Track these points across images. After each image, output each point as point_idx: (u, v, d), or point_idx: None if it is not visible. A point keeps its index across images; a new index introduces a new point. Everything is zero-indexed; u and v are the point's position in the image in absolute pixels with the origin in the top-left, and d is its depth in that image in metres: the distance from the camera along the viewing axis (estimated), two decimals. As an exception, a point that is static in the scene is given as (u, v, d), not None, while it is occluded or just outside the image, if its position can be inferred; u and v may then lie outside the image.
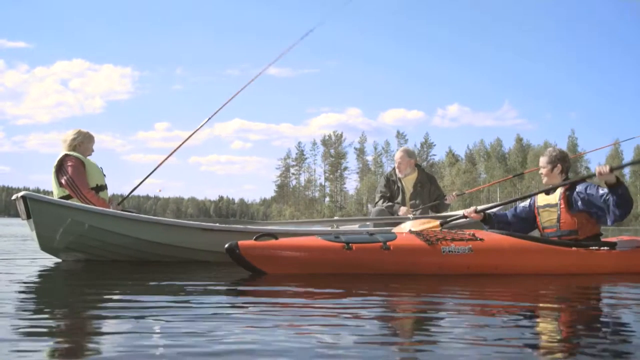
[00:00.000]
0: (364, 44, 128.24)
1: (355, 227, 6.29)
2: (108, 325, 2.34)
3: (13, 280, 3.60)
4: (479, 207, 4.96)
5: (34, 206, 4.62)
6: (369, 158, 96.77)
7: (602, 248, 4.34)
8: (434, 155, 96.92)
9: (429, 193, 6.14)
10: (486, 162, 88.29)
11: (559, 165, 4.58)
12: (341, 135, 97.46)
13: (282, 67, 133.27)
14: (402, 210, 5.95)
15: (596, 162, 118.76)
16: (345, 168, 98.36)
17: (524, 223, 4.80)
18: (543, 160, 4.65)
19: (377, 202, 6.24)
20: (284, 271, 3.86)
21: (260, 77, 6.39)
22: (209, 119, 6.24)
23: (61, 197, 4.90)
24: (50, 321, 2.40)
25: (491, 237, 4.21)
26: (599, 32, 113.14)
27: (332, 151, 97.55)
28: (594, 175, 4.23)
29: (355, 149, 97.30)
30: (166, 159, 6.00)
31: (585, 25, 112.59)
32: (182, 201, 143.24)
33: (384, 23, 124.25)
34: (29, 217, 4.66)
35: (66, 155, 5.00)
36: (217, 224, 5.02)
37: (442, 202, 6.08)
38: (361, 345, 1.98)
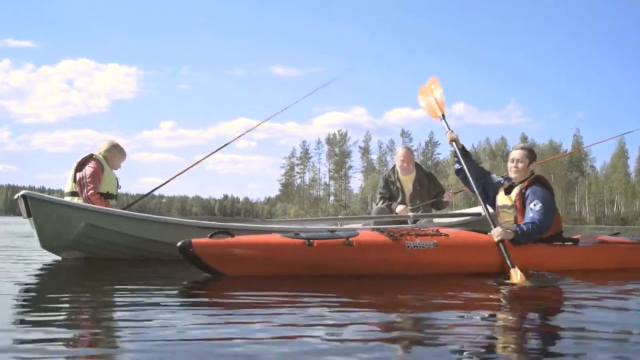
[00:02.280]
0: (369, 43, 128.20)
1: (358, 225, 6.27)
2: (105, 322, 2.35)
3: (13, 277, 3.63)
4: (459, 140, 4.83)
5: (33, 205, 4.70)
6: (374, 157, 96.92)
7: (565, 244, 4.35)
8: (439, 154, 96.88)
9: (428, 191, 6.10)
10: (491, 161, 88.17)
11: (534, 162, 4.48)
12: (346, 134, 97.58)
13: (288, 66, 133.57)
14: (399, 208, 5.92)
15: (600, 156, 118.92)
16: (350, 167, 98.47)
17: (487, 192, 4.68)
18: (521, 154, 4.43)
19: (377, 203, 6.23)
20: (242, 270, 3.60)
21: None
22: (262, 123, 6.32)
23: (71, 192, 5.08)
24: (49, 318, 2.41)
25: (456, 233, 4.16)
26: (607, 32, 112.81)
27: (336, 150, 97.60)
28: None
29: (360, 147, 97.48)
30: (199, 162, 6.11)
31: (593, 25, 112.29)
32: (187, 200, 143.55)
33: (390, 22, 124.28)
34: (29, 215, 4.73)
35: (91, 156, 5.21)
36: (208, 222, 5.02)
37: (440, 199, 6.03)
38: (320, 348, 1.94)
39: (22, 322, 2.32)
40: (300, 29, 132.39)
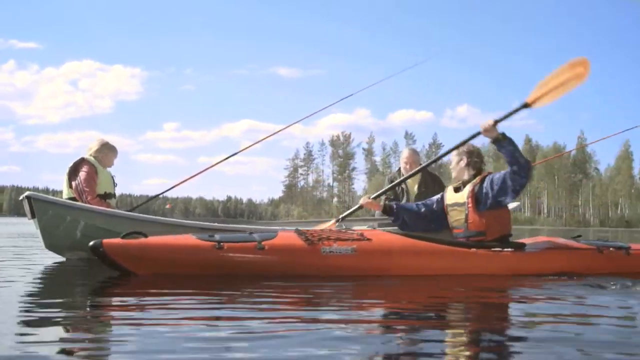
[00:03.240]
0: (373, 45, 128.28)
1: (363, 227, 6.27)
2: (105, 322, 2.36)
3: (16, 277, 3.65)
4: (374, 195, 4.71)
5: (37, 206, 4.73)
6: (377, 159, 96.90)
7: (505, 249, 4.13)
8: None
9: (433, 193, 6.08)
10: (495, 163, 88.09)
11: (464, 158, 4.32)
12: (349, 136, 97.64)
13: (291, 67, 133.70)
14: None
15: (605, 158, 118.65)
16: (354, 168, 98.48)
17: (437, 217, 4.50)
18: (460, 153, 4.38)
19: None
20: (153, 271, 3.61)
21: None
22: (296, 122, 6.33)
23: (69, 198, 5.06)
24: (50, 317, 2.42)
25: (381, 237, 4.00)
26: (611, 33, 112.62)
27: (340, 152, 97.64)
28: (480, 133, 4.10)
29: (364, 149, 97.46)
30: (217, 164, 6.14)
31: (597, 26, 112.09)
32: (191, 201, 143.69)
33: (392, 23, 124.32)
34: (33, 216, 4.78)
35: (82, 160, 5.16)
36: (211, 223, 5.05)
37: None
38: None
39: (24, 322, 2.33)
40: (303, 30, 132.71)
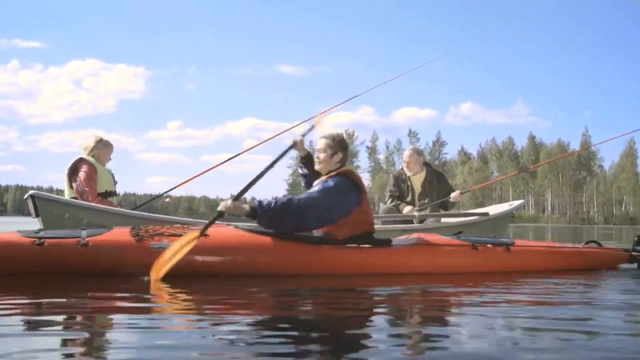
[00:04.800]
0: (377, 43, 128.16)
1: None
2: (105, 322, 2.37)
3: (19, 278, 3.65)
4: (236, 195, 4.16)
5: (41, 205, 4.78)
6: (381, 157, 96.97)
7: (362, 246, 3.81)
8: (446, 153, 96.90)
9: (437, 191, 6.10)
10: (498, 161, 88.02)
11: (340, 153, 3.96)
12: (353, 134, 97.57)
13: (295, 65, 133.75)
14: (407, 209, 5.93)
15: (609, 156, 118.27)
16: (357, 167, 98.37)
17: None
18: (324, 143, 3.97)
19: (386, 201, 6.23)
20: None
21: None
22: (301, 122, 6.29)
23: (71, 198, 5.08)
24: (51, 317, 2.42)
25: (223, 232, 3.75)
26: (611, 33, 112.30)
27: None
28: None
29: (367, 147, 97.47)
30: (222, 163, 6.12)
31: (597, 26, 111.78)
32: (194, 200, 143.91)
33: (397, 22, 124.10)
34: (37, 215, 4.82)
35: (81, 160, 5.16)
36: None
37: (447, 200, 6.04)
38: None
39: (26, 323, 2.34)
40: (306, 28, 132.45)
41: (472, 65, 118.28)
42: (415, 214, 5.73)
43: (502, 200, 68.29)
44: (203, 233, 3.47)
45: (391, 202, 6.12)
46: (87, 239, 3.45)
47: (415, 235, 4.19)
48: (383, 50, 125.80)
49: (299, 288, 3.36)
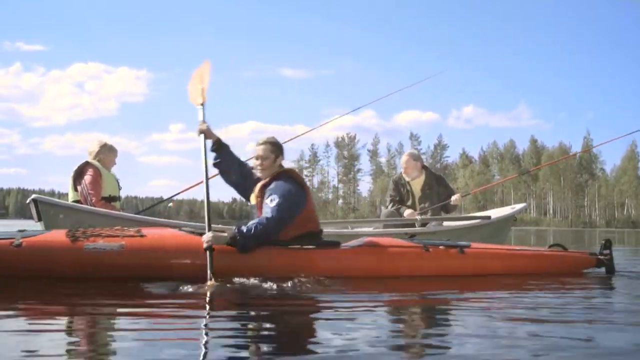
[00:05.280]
0: (379, 45, 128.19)
1: (369, 229, 6.28)
2: (104, 324, 2.37)
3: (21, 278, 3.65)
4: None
5: (43, 208, 4.76)
6: (382, 160, 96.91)
7: (306, 247, 3.76)
8: (448, 157, 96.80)
9: (437, 195, 6.09)
10: (499, 164, 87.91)
11: (281, 156, 4.03)
12: (354, 137, 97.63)
13: (297, 68, 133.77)
14: (407, 212, 5.91)
15: (610, 159, 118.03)
16: (359, 170, 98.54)
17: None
18: (264, 149, 3.98)
19: (387, 206, 6.23)
20: None
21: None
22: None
23: (75, 201, 5.08)
24: (53, 320, 2.42)
25: (160, 233, 3.73)
26: (611, 33, 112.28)
27: (345, 153, 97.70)
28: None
29: (369, 150, 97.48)
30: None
31: (597, 26, 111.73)
32: (196, 203, 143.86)
33: (397, 22, 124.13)
34: (39, 219, 4.80)
35: (87, 164, 5.18)
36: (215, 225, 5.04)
37: (448, 202, 6.03)
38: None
39: (29, 323, 2.34)
40: (308, 31, 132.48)
41: (473, 67, 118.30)
42: (417, 217, 5.71)
43: (504, 203, 68.22)
44: (211, 278, 3.32)
45: (392, 206, 6.11)
46: (21, 240, 3.40)
47: (367, 238, 4.10)
48: (383, 50, 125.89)
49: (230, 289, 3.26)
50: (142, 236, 3.54)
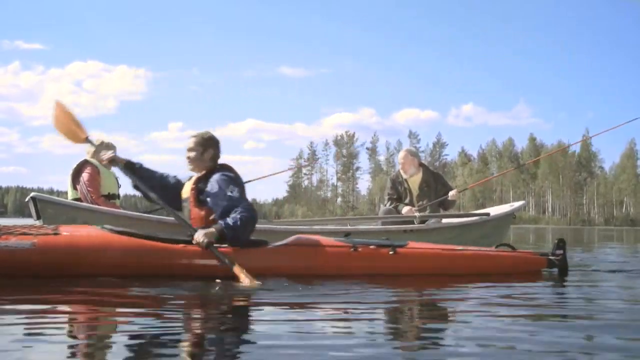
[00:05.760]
0: (378, 44, 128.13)
1: (369, 227, 6.29)
2: (104, 322, 2.37)
3: (22, 278, 3.65)
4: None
5: (42, 207, 4.76)
6: (381, 158, 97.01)
7: (222, 246, 3.61)
8: (447, 155, 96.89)
9: (435, 192, 6.11)
10: (498, 162, 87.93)
11: (210, 150, 3.92)
12: (353, 135, 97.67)
13: (296, 66, 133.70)
14: (405, 209, 5.93)
15: (609, 157, 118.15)
16: (358, 168, 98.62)
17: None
18: (193, 142, 3.93)
19: (385, 204, 6.25)
20: None
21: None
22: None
23: (74, 199, 5.10)
24: (53, 318, 2.43)
25: (72, 231, 3.63)
26: (611, 33, 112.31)
27: (344, 151, 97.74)
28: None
29: (368, 149, 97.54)
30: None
31: (597, 26, 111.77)
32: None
33: (398, 23, 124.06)
34: (38, 217, 4.78)
35: (85, 162, 5.20)
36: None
37: (445, 198, 6.04)
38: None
39: (30, 323, 2.35)
40: (308, 30, 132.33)
41: (473, 66, 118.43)
42: (416, 214, 5.73)
43: (502, 201, 68.26)
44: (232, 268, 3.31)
45: (390, 204, 6.13)
46: None
47: (295, 236, 3.93)
48: (382, 49, 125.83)
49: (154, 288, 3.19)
50: (56, 234, 3.47)
